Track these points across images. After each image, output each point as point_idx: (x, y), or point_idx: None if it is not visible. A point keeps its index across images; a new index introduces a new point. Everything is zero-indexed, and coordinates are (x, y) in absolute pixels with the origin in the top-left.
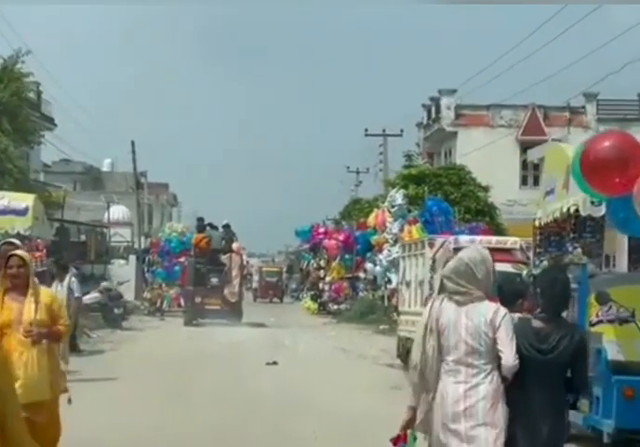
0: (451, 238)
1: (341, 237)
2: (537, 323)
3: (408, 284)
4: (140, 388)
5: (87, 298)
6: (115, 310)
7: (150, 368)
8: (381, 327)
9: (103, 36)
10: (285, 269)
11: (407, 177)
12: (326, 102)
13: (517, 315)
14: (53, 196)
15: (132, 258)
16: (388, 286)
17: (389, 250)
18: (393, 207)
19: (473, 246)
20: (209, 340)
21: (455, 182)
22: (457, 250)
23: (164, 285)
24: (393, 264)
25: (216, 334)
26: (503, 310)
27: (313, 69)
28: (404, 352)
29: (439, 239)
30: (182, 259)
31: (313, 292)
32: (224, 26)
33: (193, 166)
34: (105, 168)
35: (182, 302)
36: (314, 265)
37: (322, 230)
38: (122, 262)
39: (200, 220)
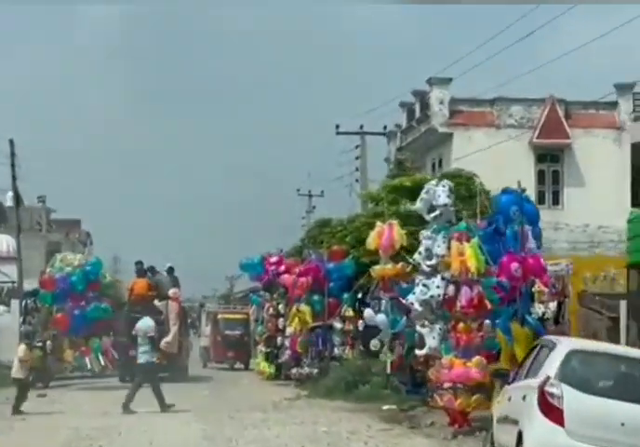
0: None
1: (305, 271)
2: None
3: None
4: None
5: None
6: None
7: None
8: (386, 407)
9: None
10: (253, 317)
11: (398, 189)
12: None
13: None
14: None
15: (15, 303)
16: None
17: (424, 286)
18: (432, 210)
19: None
20: None
21: (463, 196)
22: None
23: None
24: (432, 308)
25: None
26: None
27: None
28: None
29: None
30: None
31: (268, 350)
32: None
33: (109, 202)
34: (9, 202)
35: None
36: (270, 312)
37: (274, 259)
38: (1, 308)
39: (139, 263)
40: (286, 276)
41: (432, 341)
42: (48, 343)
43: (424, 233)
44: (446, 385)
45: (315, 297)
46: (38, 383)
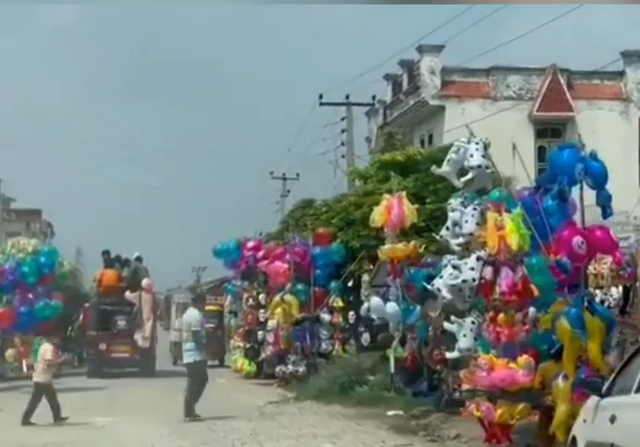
0: None
1: (282, 254)
2: None
3: None
4: None
5: None
6: None
7: None
8: (391, 413)
9: None
10: (228, 309)
11: (389, 164)
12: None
13: None
14: None
15: None
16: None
17: (454, 268)
18: (463, 174)
19: None
20: None
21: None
22: None
23: None
24: (463, 295)
25: None
26: None
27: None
28: None
29: None
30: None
31: (248, 345)
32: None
33: (71, 192)
34: None
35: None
36: (249, 302)
37: (251, 244)
38: None
39: (106, 253)
40: (266, 262)
41: (463, 340)
42: None
43: (452, 203)
44: (466, 388)
45: (300, 286)
46: None
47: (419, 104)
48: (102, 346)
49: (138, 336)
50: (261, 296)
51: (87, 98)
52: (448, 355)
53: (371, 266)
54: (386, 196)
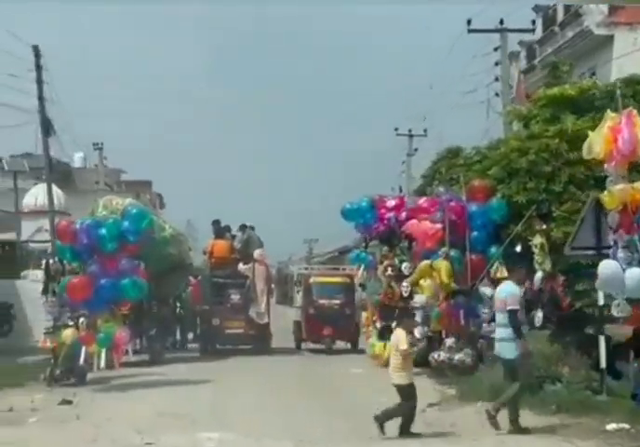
0: None
1: (439, 215)
2: None
3: None
4: None
5: None
6: None
7: None
8: (612, 427)
9: None
10: (361, 279)
11: (558, 100)
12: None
13: None
14: None
15: None
16: None
17: None
18: None
19: None
20: None
21: None
22: None
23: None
24: None
25: None
26: None
27: None
28: None
29: None
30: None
31: (386, 325)
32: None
33: (181, 162)
34: (77, 163)
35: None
36: (388, 272)
37: (391, 203)
38: (39, 273)
39: (216, 223)
40: (413, 222)
41: None
42: (82, 320)
43: None
44: None
45: (452, 252)
46: (67, 378)
47: (580, 35)
48: (216, 322)
49: (252, 311)
50: (404, 265)
51: (202, 66)
52: None
53: (543, 226)
54: (610, 114)
